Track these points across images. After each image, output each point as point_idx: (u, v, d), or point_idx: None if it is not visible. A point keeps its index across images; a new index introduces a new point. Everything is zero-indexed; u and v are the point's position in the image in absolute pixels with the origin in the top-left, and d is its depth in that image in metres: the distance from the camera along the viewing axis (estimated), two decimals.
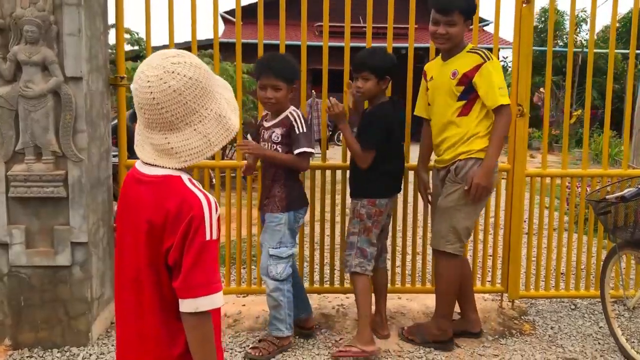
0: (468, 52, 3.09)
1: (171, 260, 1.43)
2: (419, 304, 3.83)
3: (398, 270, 3.94)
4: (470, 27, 3.20)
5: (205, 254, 1.41)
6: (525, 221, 4.04)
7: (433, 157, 3.37)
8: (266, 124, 3.15)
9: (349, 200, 3.33)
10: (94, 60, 3.22)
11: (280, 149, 3.08)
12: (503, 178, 3.75)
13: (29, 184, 3.06)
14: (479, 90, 3.02)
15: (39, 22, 2.96)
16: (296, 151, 3.04)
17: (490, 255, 3.87)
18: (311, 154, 3.08)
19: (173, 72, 1.41)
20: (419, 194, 3.55)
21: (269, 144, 3.10)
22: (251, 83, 9.95)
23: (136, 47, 9.82)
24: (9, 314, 3.17)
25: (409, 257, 3.77)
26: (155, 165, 1.47)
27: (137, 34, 9.80)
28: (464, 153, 3.09)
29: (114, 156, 4.88)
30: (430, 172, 3.45)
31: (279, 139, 3.08)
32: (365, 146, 3.15)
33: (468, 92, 3.05)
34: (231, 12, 22.12)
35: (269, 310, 3.18)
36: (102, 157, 3.37)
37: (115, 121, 6.17)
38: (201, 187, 1.49)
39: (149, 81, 1.41)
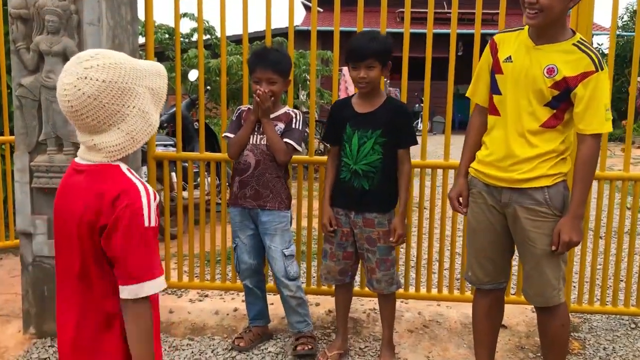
0: (574, 44, 2.32)
1: (109, 249, 1.43)
2: (457, 312, 3.55)
3: (431, 276, 3.66)
4: (576, 1, 2.33)
5: (144, 240, 1.43)
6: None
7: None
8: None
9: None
10: (118, 51, 3.15)
11: None
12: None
13: (50, 175, 3.05)
14: (577, 106, 2.30)
15: (59, 11, 2.93)
16: (285, 139, 2.92)
17: None
18: (295, 151, 2.96)
19: (86, 77, 1.41)
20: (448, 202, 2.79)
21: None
22: (323, 71, 9.85)
23: (208, 37, 9.90)
24: (33, 303, 3.20)
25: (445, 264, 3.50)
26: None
27: (208, 23, 9.86)
28: (549, 176, 2.38)
29: (168, 145, 4.93)
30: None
31: (281, 132, 2.95)
32: (414, 142, 2.93)
33: (561, 99, 2.33)
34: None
35: (292, 310, 3.08)
36: None
37: (173, 109, 6.30)
38: (140, 177, 1.50)
39: (65, 89, 1.42)
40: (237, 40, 10.30)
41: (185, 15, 9.63)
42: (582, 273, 3.46)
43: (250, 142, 2.97)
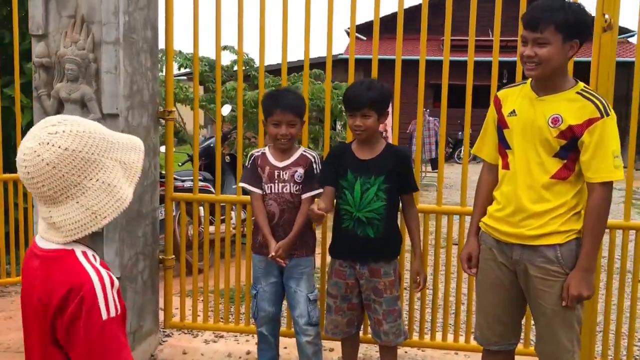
0: (577, 93, 2.31)
1: (69, 349, 1.33)
2: None
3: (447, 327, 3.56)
4: (575, 50, 2.31)
5: (104, 335, 1.31)
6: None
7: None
8: (280, 164, 2.96)
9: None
10: (137, 96, 3.24)
11: (299, 189, 2.94)
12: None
13: None
14: (583, 154, 2.26)
15: (78, 60, 3.03)
16: (315, 192, 2.92)
17: None
18: (321, 194, 2.93)
19: (48, 143, 1.32)
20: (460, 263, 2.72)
21: (291, 184, 2.93)
22: None
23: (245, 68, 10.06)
24: None
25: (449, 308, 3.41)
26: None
27: (248, 55, 10.03)
28: (561, 233, 2.32)
29: (187, 180, 5.00)
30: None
31: (302, 178, 2.94)
32: (416, 188, 2.92)
33: (569, 149, 2.29)
34: (361, 28, 22.21)
35: (307, 359, 3.04)
36: (145, 190, 3.38)
37: (206, 142, 6.41)
38: (94, 261, 1.38)
39: (24, 154, 1.34)
40: (272, 70, 10.40)
41: (225, 48, 9.82)
42: (606, 330, 3.30)
43: (273, 191, 2.95)
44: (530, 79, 2.40)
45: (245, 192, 3.24)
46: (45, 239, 1.41)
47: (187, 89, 8.95)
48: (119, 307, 1.35)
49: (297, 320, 2.99)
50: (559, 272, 2.32)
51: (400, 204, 2.93)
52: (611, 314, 3.30)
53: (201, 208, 4.62)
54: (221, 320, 3.67)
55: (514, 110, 2.40)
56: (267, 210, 2.96)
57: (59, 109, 3.11)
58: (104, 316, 1.31)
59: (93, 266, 1.36)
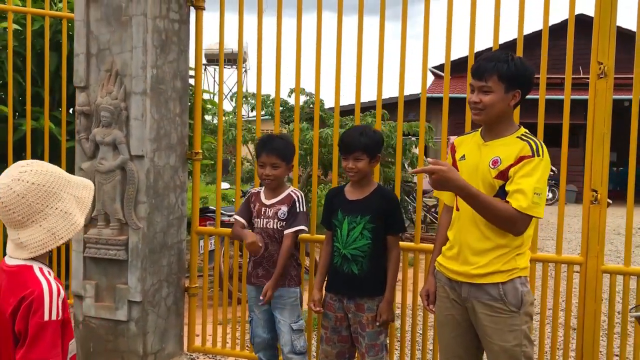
0: (517, 137, 2.46)
1: (19, 337, 1.69)
2: None
3: None
4: (517, 99, 2.46)
5: (43, 332, 1.67)
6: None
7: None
8: (266, 202, 3.26)
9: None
10: (164, 139, 3.63)
11: (283, 225, 3.19)
12: (576, 272, 3.27)
13: (99, 246, 3.54)
14: (508, 185, 2.38)
15: (111, 108, 3.47)
16: (295, 228, 3.16)
17: None
18: (303, 231, 3.21)
19: (19, 179, 1.73)
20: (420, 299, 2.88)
21: (274, 220, 3.21)
22: (429, 141, 10.01)
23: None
24: (81, 358, 3.66)
25: None
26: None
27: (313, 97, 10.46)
28: (504, 272, 2.43)
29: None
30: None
31: (285, 215, 3.19)
32: (403, 229, 3.10)
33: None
34: (440, 67, 22.32)
35: None
36: (170, 224, 3.74)
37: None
38: (49, 275, 1.75)
39: (0, 189, 1.72)
40: (344, 111, 10.76)
41: (301, 92, 10.30)
42: None
43: (259, 225, 3.26)
44: (481, 127, 2.55)
45: None
46: (12, 257, 1.79)
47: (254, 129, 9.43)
48: (60, 313, 1.71)
49: (283, 348, 3.22)
50: (503, 309, 2.43)
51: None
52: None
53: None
54: (237, 345, 3.93)
55: (464, 155, 2.59)
56: None
57: (95, 150, 3.55)
58: (46, 317, 1.67)
59: (46, 278, 1.73)
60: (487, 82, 2.40)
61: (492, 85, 2.40)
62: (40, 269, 1.76)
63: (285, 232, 3.16)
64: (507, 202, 2.37)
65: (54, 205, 1.75)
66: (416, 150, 11.06)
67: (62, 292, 1.75)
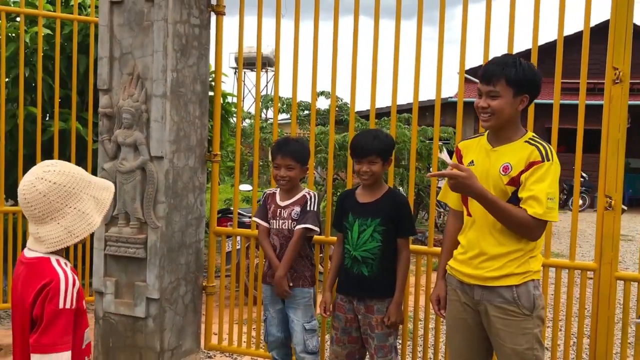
0: (525, 141, 2.49)
1: (36, 323, 1.81)
2: None
3: None
4: (525, 104, 2.49)
5: (57, 319, 1.78)
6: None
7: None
8: (281, 204, 3.33)
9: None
10: (184, 141, 3.72)
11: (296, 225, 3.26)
12: (589, 278, 3.25)
13: (119, 244, 3.65)
14: (520, 191, 2.41)
15: (133, 110, 3.57)
16: (302, 225, 3.21)
17: None
18: (313, 231, 3.26)
19: (42, 178, 1.84)
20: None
21: (289, 221, 3.28)
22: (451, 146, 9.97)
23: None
24: (101, 352, 3.77)
25: None
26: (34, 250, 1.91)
27: (342, 100, 10.50)
28: (517, 275, 2.45)
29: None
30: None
31: (297, 215, 3.26)
32: (413, 232, 3.13)
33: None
34: (469, 72, 22.08)
35: None
36: (189, 224, 3.83)
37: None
38: (65, 266, 1.87)
39: (23, 186, 1.86)
40: (363, 115, 10.77)
41: (322, 93, 10.37)
42: None
43: (275, 227, 3.34)
44: (487, 131, 2.57)
45: None
46: (31, 250, 1.91)
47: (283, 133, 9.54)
48: (74, 303, 1.82)
49: (295, 347, 3.28)
50: (516, 312, 2.44)
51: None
52: None
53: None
54: (252, 344, 3.99)
55: (472, 161, 2.60)
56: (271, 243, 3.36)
57: (117, 151, 3.66)
58: (61, 305, 1.79)
59: (62, 269, 1.85)
60: (495, 87, 2.42)
61: (500, 90, 2.41)
62: (57, 261, 1.88)
63: (296, 227, 3.24)
64: (522, 208, 2.39)
65: (72, 205, 1.86)
66: (441, 155, 11.05)
67: (78, 283, 1.86)
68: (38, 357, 1.77)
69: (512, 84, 2.40)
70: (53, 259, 1.88)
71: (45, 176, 1.83)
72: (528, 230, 2.40)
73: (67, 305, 1.80)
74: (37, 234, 1.87)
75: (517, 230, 2.42)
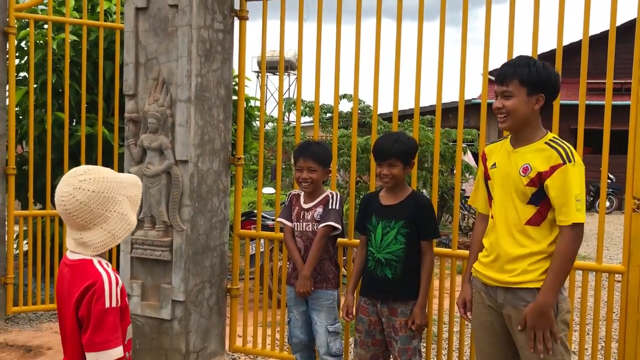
0: (546, 143, 2.46)
1: (83, 323, 1.88)
2: None
3: None
4: (541, 103, 2.45)
5: (104, 318, 1.85)
6: None
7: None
8: (305, 206, 3.35)
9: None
10: (208, 145, 3.76)
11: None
12: (617, 281, 3.21)
13: (145, 247, 3.70)
14: (552, 199, 2.40)
15: (158, 115, 3.62)
16: (324, 223, 3.22)
17: None
18: (335, 228, 3.24)
19: (80, 188, 1.88)
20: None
21: (312, 223, 3.30)
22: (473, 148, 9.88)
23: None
24: None
25: None
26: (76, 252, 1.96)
27: (364, 102, 10.50)
28: (540, 280, 2.42)
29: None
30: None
31: (320, 215, 3.28)
32: (437, 235, 3.12)
33: (540, 197, 2.43)
34: (494, 73, 21.87)
35: None
36: (213, 227, 3.86)
37: None
38: (107, 267, 1.93)
39: (62, 196, 1.90)
40: (386, 117, 10.74)
41: (344, 96, 10.38)
42: None
43: (298, 229, 3.35)
44: (510, 134, 2.56)
45: None
46: (73, 253, 1.96)
47: (306, 136, 9.56)
48: (119, 301, 1.88)
49: (319, 350, 3.27)
50: None
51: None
52: None
53: None
54: (277, 347, 4.01)
55: (495, 163, 2.59)
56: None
57: (142, 155, 3.71)
58: (107, 305, 1.85)
59: (105, 270, 1.90)
60: (508, 87, 2.41)
61: (513, 90, 2.41)
62: (99, 262, 1.93)
63: (319, 226, 3.25)
64: (554, 219, 2.40)
65: (112, 208, 1.91)
66: (464, 157, 10.97)
67: (120, 281, 1.92)
68: (93, 355, 1.84)
69: (525, 83, 2.40)
70: (95, 260, 1.93)
71: (82, 185, 1.87)
72: (577, 242, 2.39)
73: (113, 304, 1.86)
74: (80, 239, 1.92)
75: (577, 251, 2.43)
